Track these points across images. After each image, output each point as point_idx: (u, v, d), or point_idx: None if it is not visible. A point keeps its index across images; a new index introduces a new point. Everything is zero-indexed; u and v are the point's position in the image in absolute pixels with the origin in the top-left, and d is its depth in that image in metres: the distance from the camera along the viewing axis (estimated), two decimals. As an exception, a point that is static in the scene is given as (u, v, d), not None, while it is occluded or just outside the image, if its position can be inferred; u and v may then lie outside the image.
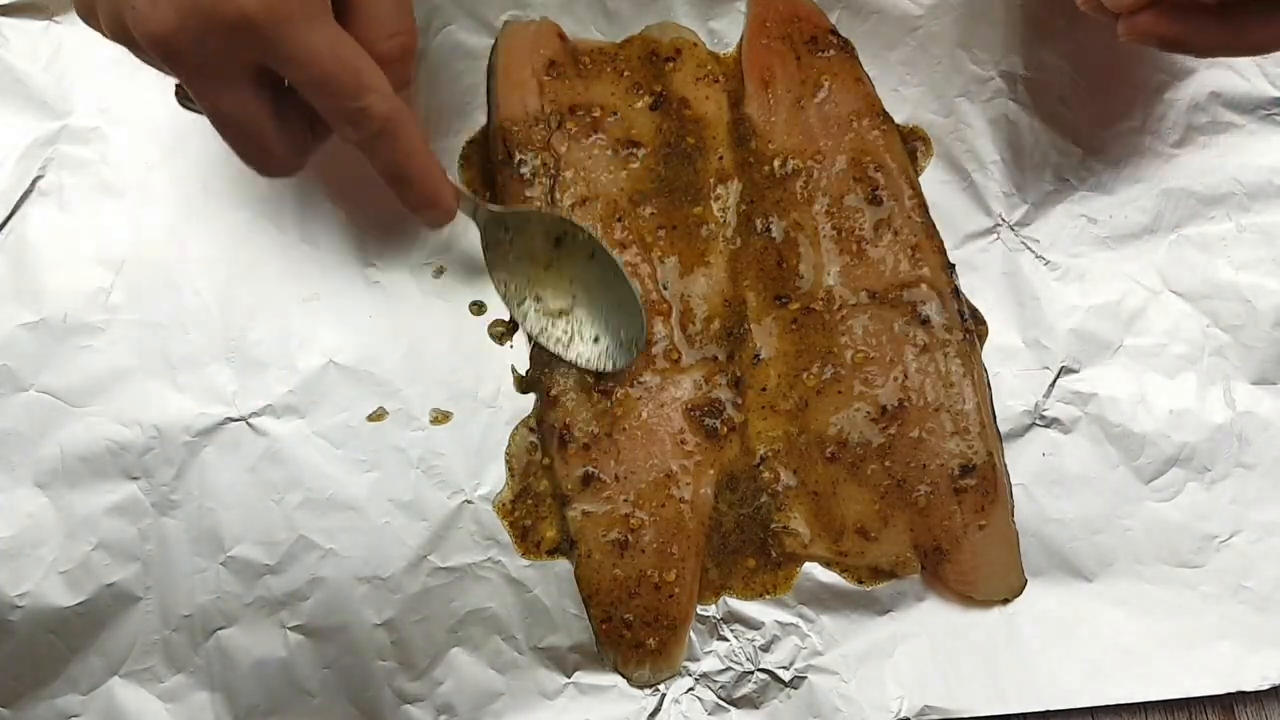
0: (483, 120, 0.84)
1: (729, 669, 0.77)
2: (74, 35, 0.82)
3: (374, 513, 0.77)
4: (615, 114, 0.82)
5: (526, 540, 0.78)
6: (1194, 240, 0.83)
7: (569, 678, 0.76)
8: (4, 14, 0.82)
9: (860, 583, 0.78)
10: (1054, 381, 0.80)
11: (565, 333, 0.79)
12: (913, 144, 0.84)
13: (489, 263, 0.79)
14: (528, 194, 0.80)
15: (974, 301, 0.82)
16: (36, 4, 0.82)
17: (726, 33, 0.86)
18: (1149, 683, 0.76)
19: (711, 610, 0.77)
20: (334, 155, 0.84)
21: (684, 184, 0.81)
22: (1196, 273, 0.82)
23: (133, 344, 0.79)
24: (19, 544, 0.76)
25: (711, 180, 0.82)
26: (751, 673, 0.76)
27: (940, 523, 0.76)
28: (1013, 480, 0.79)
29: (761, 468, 0.78)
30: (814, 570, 0.78)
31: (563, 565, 0.78)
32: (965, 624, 0.77)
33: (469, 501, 0.78)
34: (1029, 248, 0.82)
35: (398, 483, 0.78)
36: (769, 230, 0.81)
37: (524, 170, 0.81)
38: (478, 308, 0.81)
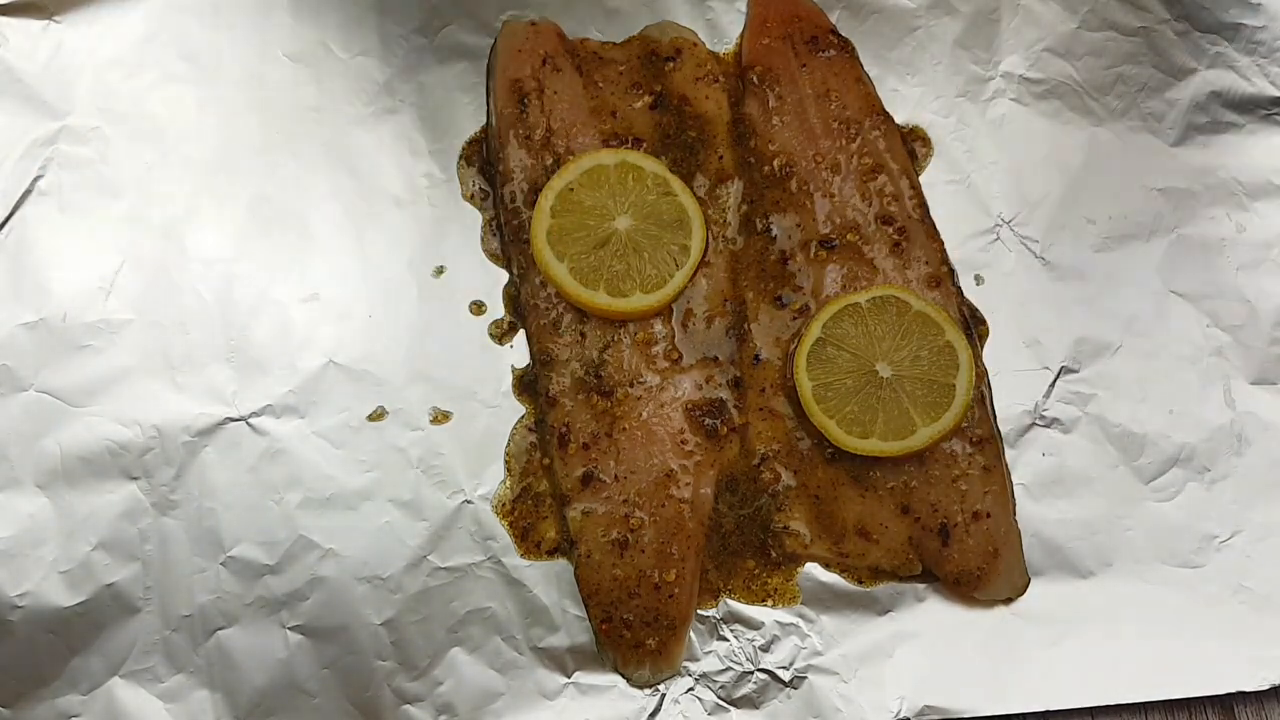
0: (482, 120, 0.84)
1: (729, 669, 0.77)
2: (74, 35, 0.82)
3: (374, 513, 0.77)
4: (615, 113, 0.82)
5: (526, 540, 0.78)
6: (1194, 240, 0.83)
7: (569, 678, 0.76)
8: (4, 14, 0.82)
9: (860, 583, 0.78)
10: (1054, 381, 0.80)
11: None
12: (912, 144, 0.84)
13: None
14: (527, 191, 0.80)
15: (974, 301, 0.82)
16: (36, 4, 0.82)
17: (726, 32, 0.86)
18: (1149, 683, 0.76)
19: (711, 610, 0.77)
20: (335, 151, 0.84)
21: (685, 175, 0.81)
22: (1196, 273, 0.82)
23: (132, 344, 0.79)
24: (19, 544, 0.76)
25: (711, 180, 0.82)
26: (751, 673, 0.76)
27: (943, 516, 0.76)
28: (1013, 480, 0.79)
29: (762, 468, 0.78)
30: (814, 570, 0.78)
31: (563, 565, 0.78)
32: (965, 624, 0.77)
33: (469, 501, 0.78)
34: (1029, 248, 0.82)
35: (398, 483, 0.78)
36: (769, 230, 0.81)
37: (524, 169, 0.81)
38: (478, 308, 0.81)
